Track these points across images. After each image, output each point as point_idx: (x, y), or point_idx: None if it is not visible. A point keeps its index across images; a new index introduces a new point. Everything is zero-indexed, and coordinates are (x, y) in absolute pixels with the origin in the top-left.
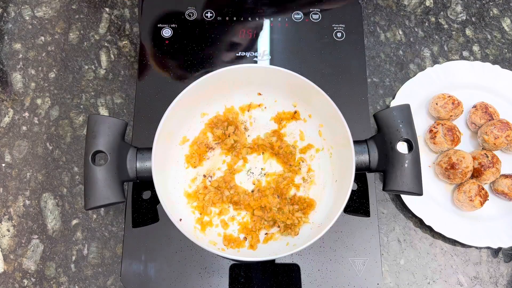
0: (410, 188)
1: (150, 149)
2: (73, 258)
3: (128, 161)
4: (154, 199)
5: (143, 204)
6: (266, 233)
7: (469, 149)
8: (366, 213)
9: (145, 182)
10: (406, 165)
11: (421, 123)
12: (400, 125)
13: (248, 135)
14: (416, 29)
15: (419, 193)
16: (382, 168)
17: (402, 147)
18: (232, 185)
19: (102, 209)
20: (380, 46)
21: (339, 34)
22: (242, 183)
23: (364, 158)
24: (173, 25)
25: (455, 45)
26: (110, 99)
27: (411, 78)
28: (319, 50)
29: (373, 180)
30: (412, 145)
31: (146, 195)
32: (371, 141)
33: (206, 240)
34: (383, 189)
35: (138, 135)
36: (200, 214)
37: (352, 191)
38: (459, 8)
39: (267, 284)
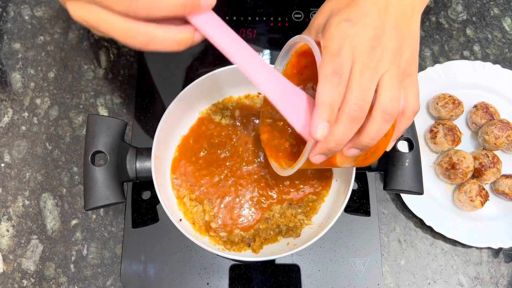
0: (411, 187)
1: (149, 149)
2: (73, 258)
3: (128, 161)
4: (154, 199)
5: (142, 204)
6: None
7: (470, 149)
8: (367, 213)
9: (144, 182)
10: (406, 164)
11: (422, 123)
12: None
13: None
14: None
15: (420, 192)
16: (383, 167)
17: (402, 146)
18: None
19: (102, 209)
20: None
21: None
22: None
23: None
24: None
25: (455, 44)
26: (109, 99)
27: None
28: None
29: (374, 180)
30: (412, 144)
31: (146, 195)
32: None
33: (206, 240)
34: (384, 189)
35: (138, 135)
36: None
37: (353, 190)
38: (459, 8)
39: (267, 285)
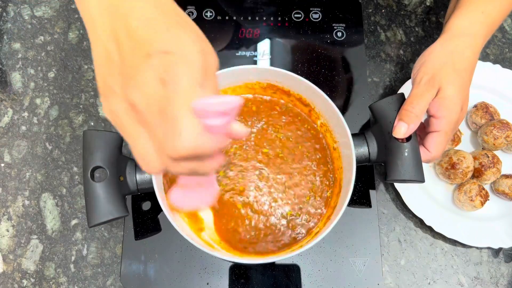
0: (412, 176)
1: None
2: (73, 258)
3: (128, 174)
4: (156, 209)
5: (141, 214)
6: None
7: (470, 149)
8: (367, 213)
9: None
10: (406, 154)
11: None
12: (397, 115)
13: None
14: (416, 29)
15: (421, 180)
16: (383, 159)
17: None
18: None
19: None
20: (381, 45)
21: (339, 34)
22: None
23: (364, 150)
24: None
25: None
26: None
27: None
28: (319, 50)
29: (374, 180)
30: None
31: (146, 206)
32: (369, 132)
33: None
34: (385, 180)
35: None
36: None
37: (353, 191)
38: None
39: (267, 285)
